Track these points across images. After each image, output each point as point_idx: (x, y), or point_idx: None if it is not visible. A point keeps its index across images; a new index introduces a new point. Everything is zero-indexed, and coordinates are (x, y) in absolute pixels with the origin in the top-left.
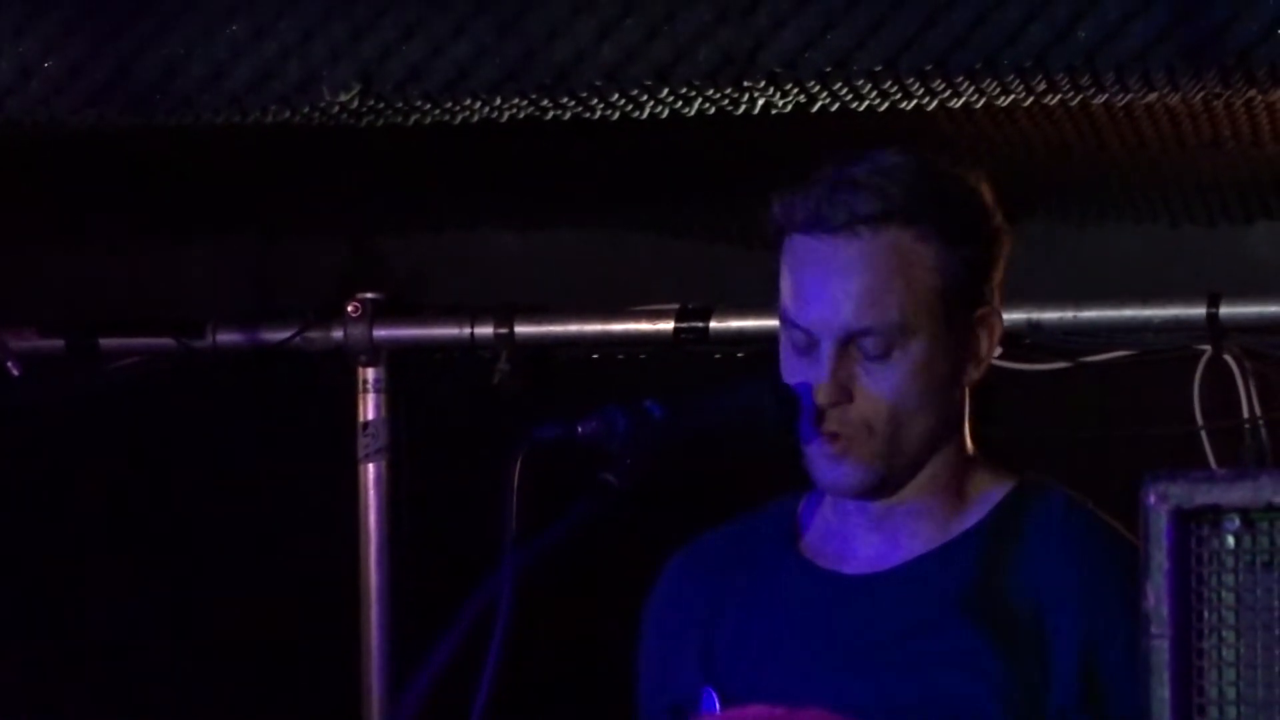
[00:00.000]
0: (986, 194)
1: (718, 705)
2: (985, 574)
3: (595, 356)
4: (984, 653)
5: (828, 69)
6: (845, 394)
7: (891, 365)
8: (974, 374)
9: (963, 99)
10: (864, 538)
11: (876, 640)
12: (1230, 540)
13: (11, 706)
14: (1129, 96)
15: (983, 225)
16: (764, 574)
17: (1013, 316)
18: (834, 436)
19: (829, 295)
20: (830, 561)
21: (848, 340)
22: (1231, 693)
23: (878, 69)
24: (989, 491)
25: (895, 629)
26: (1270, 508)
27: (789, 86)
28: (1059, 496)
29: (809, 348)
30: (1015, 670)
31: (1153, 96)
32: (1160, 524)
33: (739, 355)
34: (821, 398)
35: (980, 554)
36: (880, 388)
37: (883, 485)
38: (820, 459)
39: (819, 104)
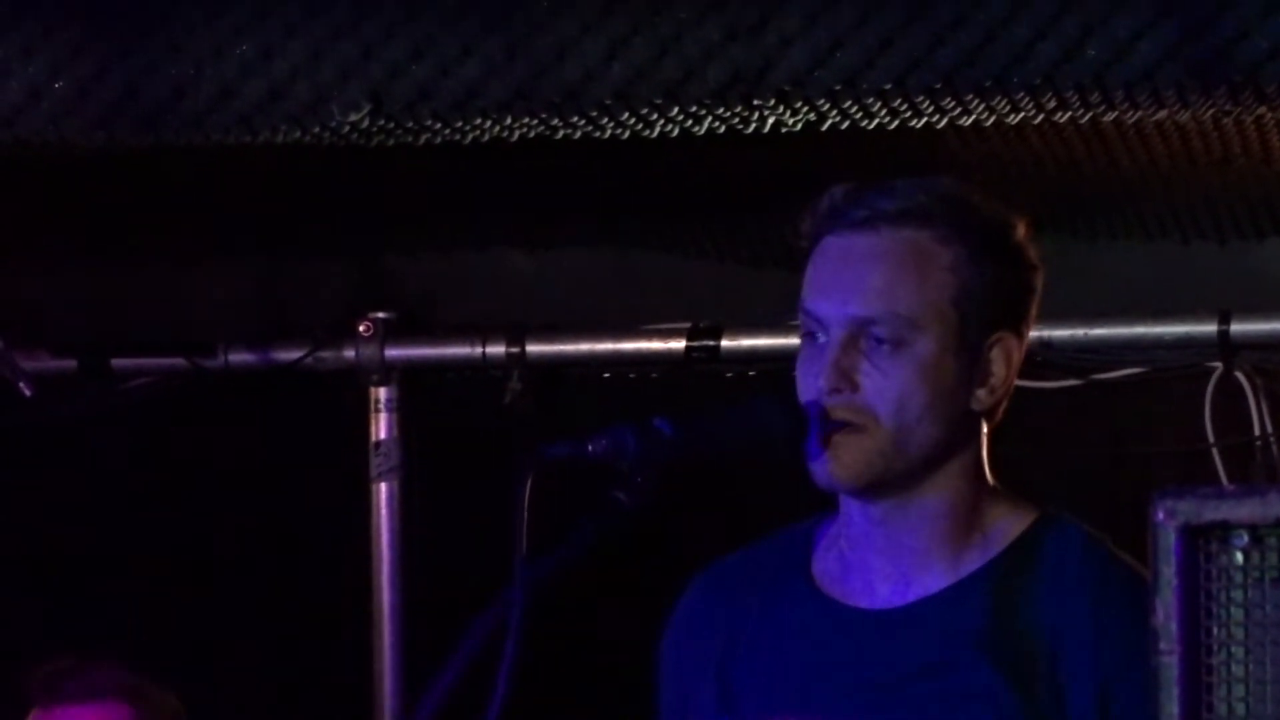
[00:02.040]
0: (1021, 229)
1: None
2: (1001, 612)
3: (606, 376)
4: (999, 691)
5: (837, 87)
6: (849, 382)
7: (898, 360)
8: (986, 400)
9: (972, 117)
10: (879, 569)
11: (891, 678)
12: (1239, 556)
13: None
14: (1139, 114)
15: (1010, 251)
16: (778, 602)
17: None
18: (837, 427)
19: (840, 284)
20: (845, 594)
21: (856, 330)
22: (1241, 709)
23: (887, 87)
24: (1007, 525)
25: (910, 667)
26: (1279, 523)
27: (798, 105)
28: (1077, 533)
29: (819, 338)
30: (1031, 708)
31: (1162, 114)
32: (1169, 540)
33: (750, 374)
34: (824, 382)
35: (997, 591)
36: (886, 381)
37: (879, 484)
38: (820, 454)
39: (829, 122)
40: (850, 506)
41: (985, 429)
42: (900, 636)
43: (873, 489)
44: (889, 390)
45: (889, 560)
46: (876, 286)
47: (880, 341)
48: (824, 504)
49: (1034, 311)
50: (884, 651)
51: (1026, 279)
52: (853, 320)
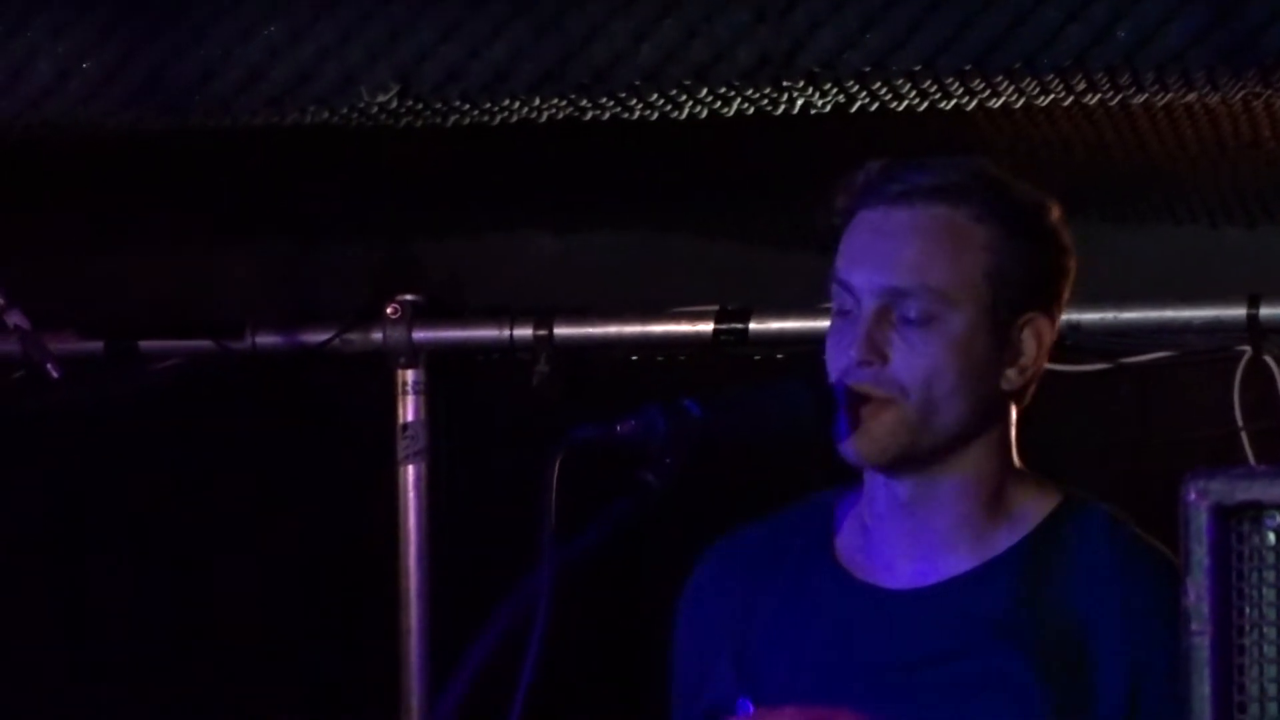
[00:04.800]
0: (1054, 211)
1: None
2: (1026, 595)
3: (634, 358)
4: (1023, 676)
5: (866, 69)
6: (879, 355)
7: (930, 335)
8: (1016, 380)
9: (1002, 99)
10: (903, 549)
11: (913, 661)
12: (1271, 537)
13: (50, 707)
14: (1168, 96)
15: (1043, 231)
16: (799, 579)
17: None
18: (865, 402)
19: (874, 256)
20: (868, 573)
21: (887, 302)
22: (1273, 689)
23: (916, 69)
24: (1032, 508)
25: (933, 650)
26: None
27: (828, 86)
28: (1102, 515)
29: (850, 311)
30: (1055, 694)
31: (1192, 96)
32: (1201, 521)
33: (778, 357)
34: (855, 353)
35: (1021, 574)
36: (915, 356)
37: (907, 460)
38: (849, 430)
39: (858, 104)
40: (875, 483)
41: (1014, 411)
42: (923, 619)
43: (899, 465)
44: (918, 365)
45: (913, 540)
46: (910, 259)
47: (912, 316)
48: (841, 474)
49: (1066, 294)
50: (907, 633)
51: (1059, 261)
52: (885, 291)
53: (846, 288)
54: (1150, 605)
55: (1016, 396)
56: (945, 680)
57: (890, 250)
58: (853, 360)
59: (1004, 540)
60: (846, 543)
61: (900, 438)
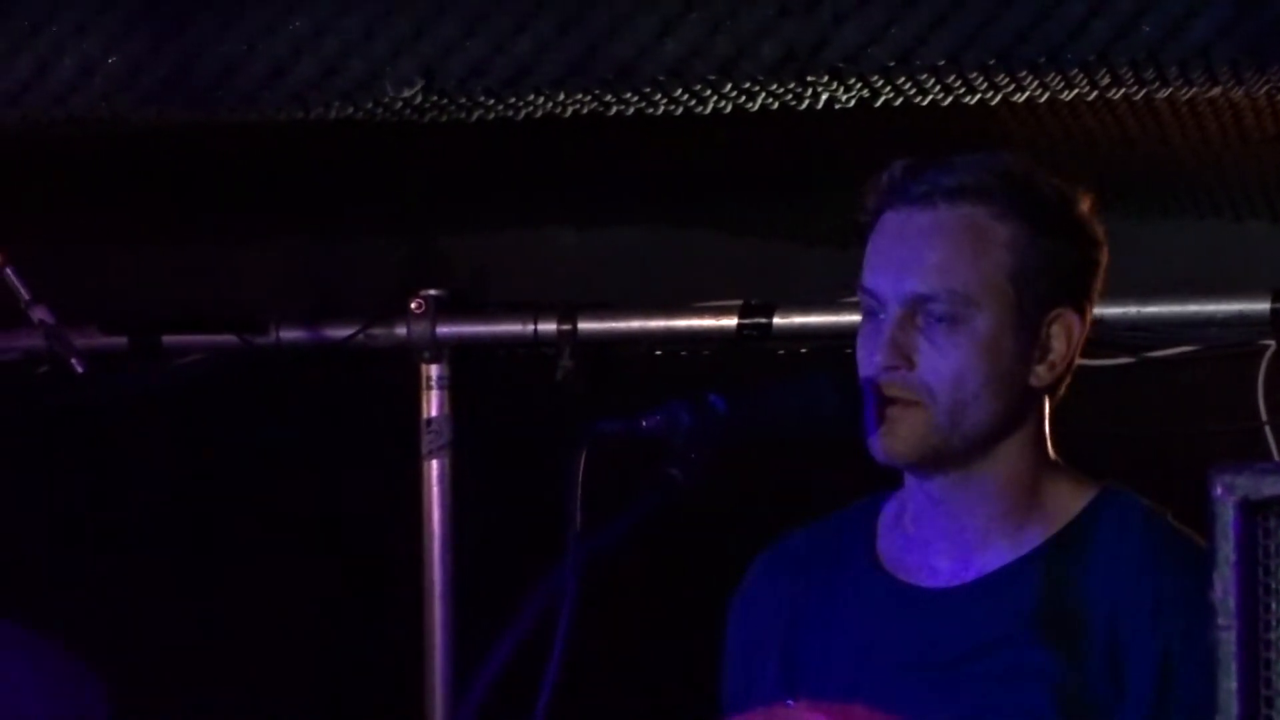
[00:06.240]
0: (1084, 203)
1: None
2: (1061, 587)
3: (658, 353)
4: (1055, 669)
5: (891, 63)
6: (905, 360)
7: (955, 338)
8: (1046, 376)
9: (1026, 93)
10: (940, 547)
11: (948, 658)
12: None
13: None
14: (1192, 91)
15: (1070, 225)
16: (842, 581)
17: None
18: (892, 402)
19: (897, 260)
20: (908, 573)
21: (913, 307)
22: None
23: (941, 63)
24: (1068, 501)
25: (968, 646)
26: None
27: (852, 81)
28: (1138, 507)
29: (878, 315)
30: (1088, 686)
31: (1216, 91)
32: (1227, 515)
33: (802, 351)
34: (880, 358)
35: (1057, 567)
36: (943, 358)
37: (936, 459)
38: (876, 429)
39: (882, 99)
40: (912, 483)
41: (1047, 405)
42: (959, 616)
43: (929, 464)
44: (945, 368)
45: (950, 538)
46: (933, 263)
47: (938, 319)
48: (886, 480)
49: (1098, 287)
50: (943, 631)
51: (1088, 254)
52: (909, 297)
53: (872, 294)
54: (1182, 596)
55: (1048, 392)
56: (980, 675)
57: (912, 255)
58: (879, 365)
59: (1038, 535)
60: (888, 544)
61: (928, 439)
